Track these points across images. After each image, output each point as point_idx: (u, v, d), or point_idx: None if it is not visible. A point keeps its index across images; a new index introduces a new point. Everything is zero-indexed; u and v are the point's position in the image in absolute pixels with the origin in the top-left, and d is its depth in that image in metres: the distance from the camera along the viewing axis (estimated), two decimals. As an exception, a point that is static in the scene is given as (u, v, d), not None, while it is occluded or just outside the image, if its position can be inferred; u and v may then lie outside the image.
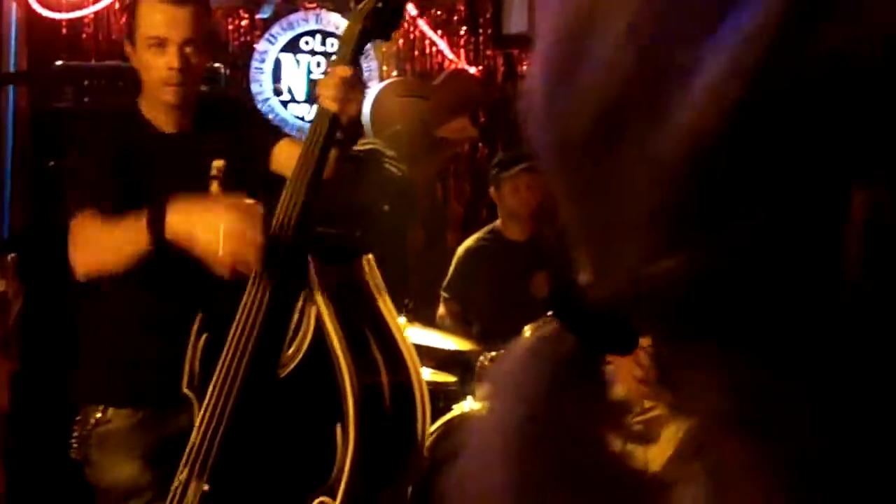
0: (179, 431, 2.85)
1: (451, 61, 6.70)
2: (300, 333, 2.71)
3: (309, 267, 2.71)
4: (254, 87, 6.41)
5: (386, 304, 2.86)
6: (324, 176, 2.82)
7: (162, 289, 2.92)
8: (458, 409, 4.70)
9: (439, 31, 6.63)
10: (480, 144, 6.77)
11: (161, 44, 2.91)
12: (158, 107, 3.03)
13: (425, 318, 5.01)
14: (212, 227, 2.51)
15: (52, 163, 5.21)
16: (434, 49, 6.66)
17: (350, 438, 2.63)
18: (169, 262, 2.66)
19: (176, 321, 2.87)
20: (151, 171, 2.95)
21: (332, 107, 2.76)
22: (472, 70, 6.69)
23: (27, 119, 5.62)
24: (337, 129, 2.80)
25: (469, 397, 4.82)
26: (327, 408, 2.66)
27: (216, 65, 5.46)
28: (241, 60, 6.37)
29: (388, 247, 4.56)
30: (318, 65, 6.48)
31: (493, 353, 4.74)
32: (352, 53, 2.82)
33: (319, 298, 2.69)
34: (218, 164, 2.92)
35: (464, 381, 4.96)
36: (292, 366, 2.72)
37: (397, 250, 5.84)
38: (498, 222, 5.35)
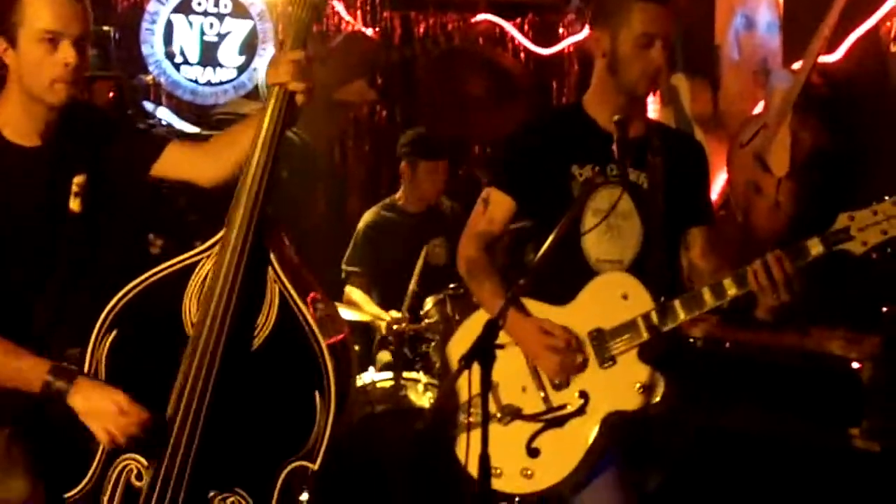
0: (60, 437, 2.89)
1: (347, 23, 6.61)
2: (265, 305, 2.79)
3: (268, 241, 2.81)
4: (144, 49, 6.25)
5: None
6: None
7: (8, 307, 2.82)
8: (360, 379, 4.69)
9: (336, -8, 6.53)
10: (378, 106, 6.72)
11: (54, 39, 2.72)
12: (27, 114, 2.82)
13: (326, 283, 4.98)
14: (103, 423, 2.72)
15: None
16: (331, 10, 6.56)
17: (330, 403, 2.74)
18: (13, 284, 2.79)
19: (28, 341, 2.77)
20: (10, 192, 2.79)
21: (297, 87, 2.80)
22: (369, 31, 6.61)
23: None
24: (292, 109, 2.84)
25: (371, 367, 4.84)
26: (298, 376, 2.77)
27: (105, 27, 5.32)
28: (131, 22, 6.20)
29: (287, 213, 4.53)
30: (212, 26, 6.34)
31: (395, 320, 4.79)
32: (301, 37, 2.84)
33: (281, 271, 2.79)
34: (79, 180, 2.85)
35: (366, 351, 4.98)
36: (259, 340, 2.80)
37: (297, 216, 5.79)
38: (398, 194, 5.43)
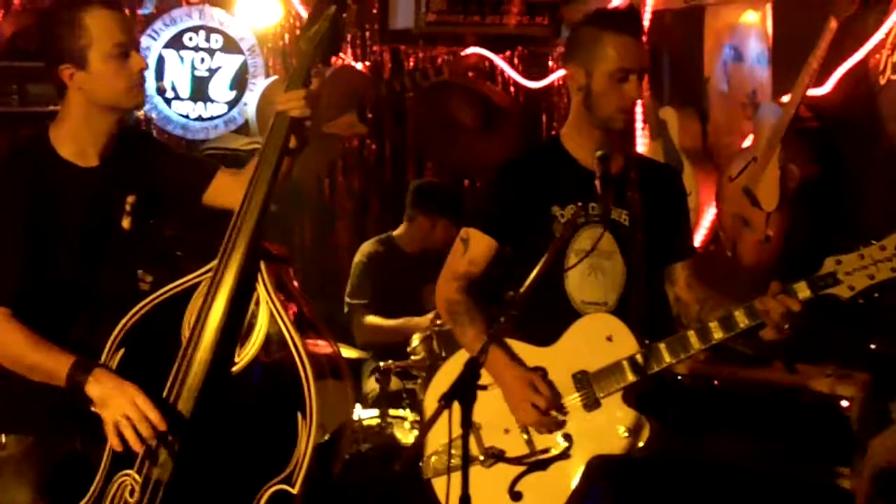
0: (73, 455, 3.00)
1: (337, 56, 6.61)
2: (254, 331, 2.85)
3: (262, 269, 2.87)
4: (135, 85, 6.25)
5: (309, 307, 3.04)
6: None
7: (52, 314, 2.95)
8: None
9: (325, 26, 6.52)
10: (368, 140, 6.72)
11: (125, 52, 2.95)
12: (90, 133, 3.00)
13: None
14: (116, 411, 2.78)
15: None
16: (320, 44, 6.55)
17: (311, 427, 2.76)
18: (58, 294, 2.93)
19: (67, 344, 2.89)
20: (64, 209, 2.96)
21: (297, 112, 2.87)
22: (359, 65, 6.62)
23: None
24: (292, 136, 2.91)
25: (357, 404, 4.83)
26: (281, 399, 2.81)
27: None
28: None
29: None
30: (202, 61, 6.35)
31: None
32: (307, 72, 2.93)
33: (274, 298, 2.84)
34: (131, 199, 3.05)
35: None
36: (245, 362, 2.85)
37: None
38: (396, 231, 5.47)
